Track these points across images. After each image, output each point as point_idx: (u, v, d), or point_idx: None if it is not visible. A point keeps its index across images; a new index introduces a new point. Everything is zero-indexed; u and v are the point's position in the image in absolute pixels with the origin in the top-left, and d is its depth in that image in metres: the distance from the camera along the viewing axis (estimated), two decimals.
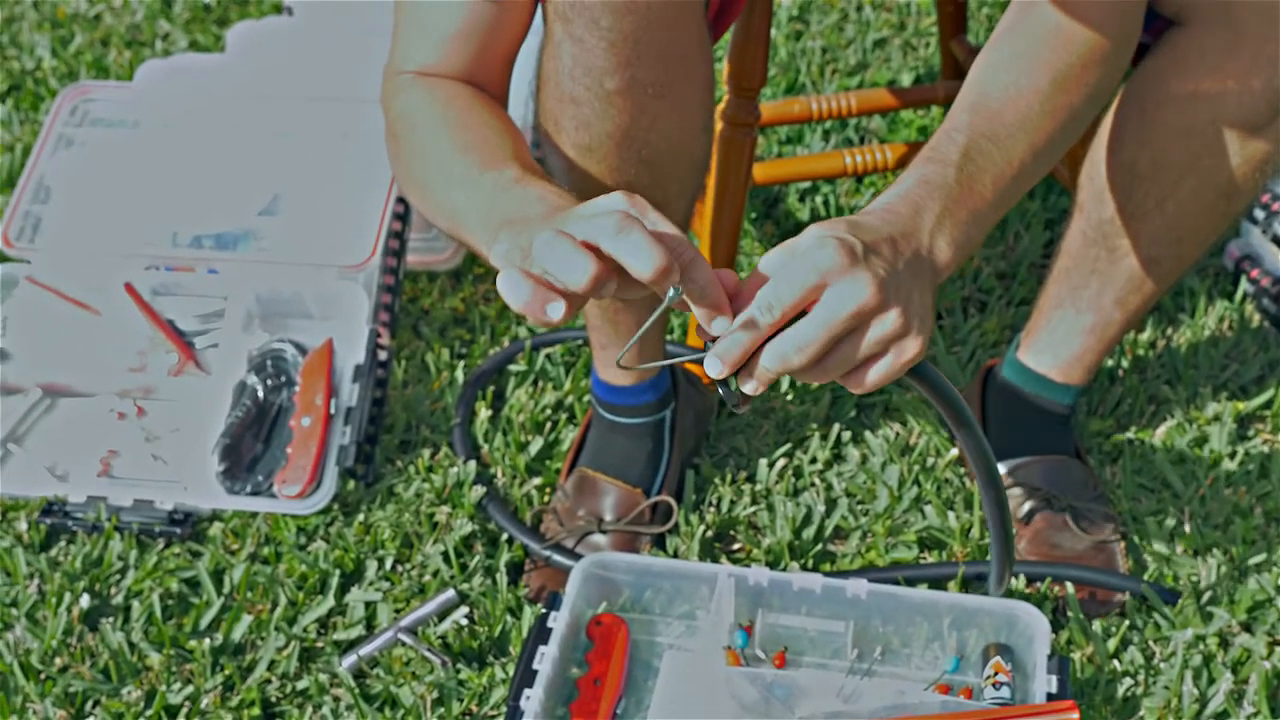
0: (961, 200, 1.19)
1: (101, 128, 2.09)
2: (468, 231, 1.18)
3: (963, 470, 1.78)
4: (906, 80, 2.39)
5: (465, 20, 1.31)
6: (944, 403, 1.23)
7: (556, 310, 0.99)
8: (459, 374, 1.90)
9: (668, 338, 1.86)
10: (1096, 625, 1.60)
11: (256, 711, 1.54)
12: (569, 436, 1.82)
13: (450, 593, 1.62)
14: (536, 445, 1.80)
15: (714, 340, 1.06)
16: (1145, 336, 1.93)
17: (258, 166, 2.01)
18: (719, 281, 1.04)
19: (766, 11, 1.67)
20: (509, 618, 1.62)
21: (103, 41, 2.55)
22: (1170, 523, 1.70)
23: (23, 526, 1.73)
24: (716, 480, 1.77)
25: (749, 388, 1.07)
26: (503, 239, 1.07)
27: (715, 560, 1.69)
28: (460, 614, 1.61)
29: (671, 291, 1.01)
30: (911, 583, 1.64)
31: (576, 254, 0.98)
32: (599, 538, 1.68)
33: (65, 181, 2.03)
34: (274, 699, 1.57)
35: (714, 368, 1.05)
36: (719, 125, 1.78)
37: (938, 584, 1.64)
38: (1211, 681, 1.54)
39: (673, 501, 1.70)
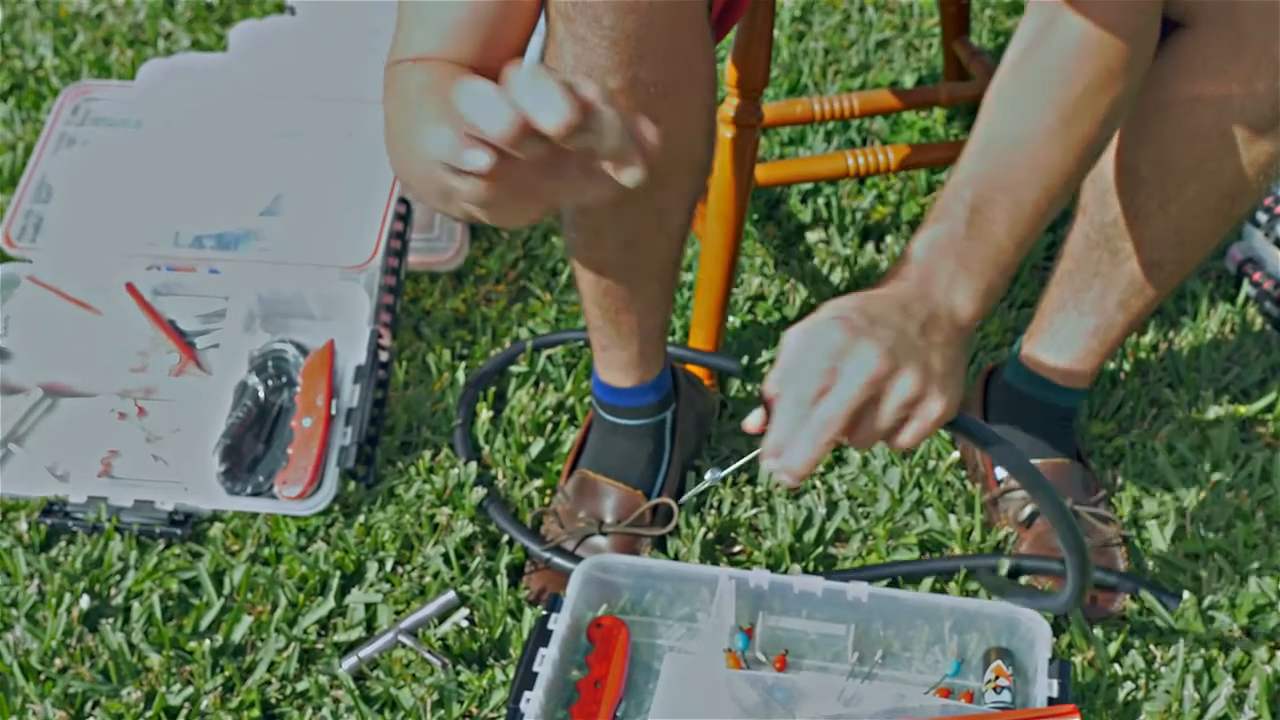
0: (974, 253, 1.21)
1: (103, 127, 2.09)
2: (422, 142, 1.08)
3: (964, 473, 1.78)
4: (909, 81, 2.39)
5: (470, 12, 1.29)
6: (991, 452, 1.24)
7: (476, 159, 0.93)
8: (460, 375, 1.89)
9: (670, 338, 1.85)
10: (1098, 629, 1.60)
11: (256, 713, 1.54)
12: (570, 438, 1.82)
13: (450, 594, 1.62)
14: (537, 447, 1.80)
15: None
16: (1147, 339, 1.93)
17: (260, 166, 2.01)
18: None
19: (769, 12, 1.67)
20: (509, 620, 1.62)
21: (105, 40, 2.55)
22: (1171, 526, 1.69)
23: (23, 527, 1.73)
24: (718, 482, 1.77)
25: (795, 474, 1.13)
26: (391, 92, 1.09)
27: (716, 563, 1.69)
28: (460, 616, 1.61)
29: (710, 474, 1.25)
30: (913, 580, 1.64)
31: (495, 100, 0.92)
32: (599, 539, 1.68)
33: (67, 181, 2.03)
34: (274, 700, 1.57)
35: (785, 479, 1.13)
36: (721, 126, 1.77)
37: (939, 581, 1.64)
38: (1213, 686, 1.54)
39: (673, 503, 1.70)
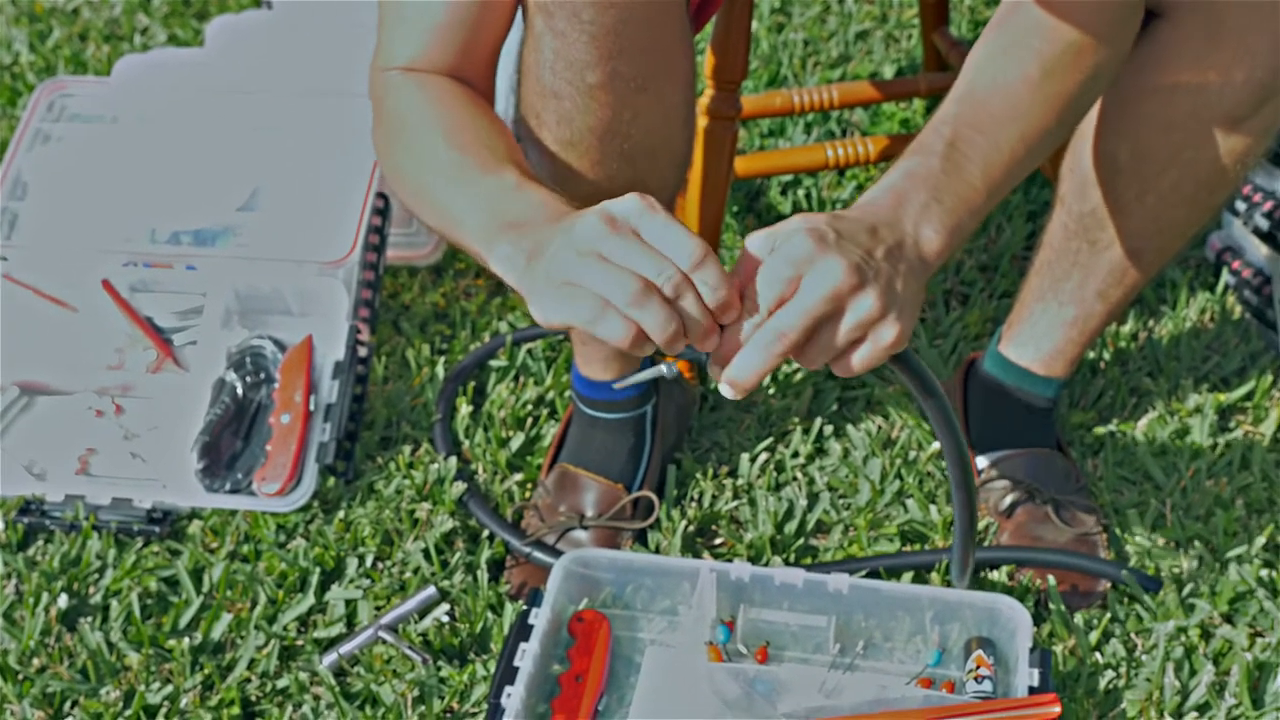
0: (948, 188, 1.20)
1: (79, 123, 2.08)
2: (465, 233, 1.20)
3: (944, 464, 1.78)
4: (889, 73, 2.39)
5: (448, 14, 1.30)
6: (923, 393, 1.25)
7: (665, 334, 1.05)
8: (440, 370, 1.89)
9: None
10: (1078, 618, 1.60)
11: (236, 711, 1.53)
12: (550, 432, 1.81)
13: (431, 590, 1.61)
14: (518, 441, 1.79)
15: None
16: (1127, 329, 1.93)
17: (236, 162, 2.00)
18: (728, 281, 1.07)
19: (748, 4, 1.67)
20: (490, 615, 1.61)
21: (81, 36, 2.54)
22: (1152, 515, 1.69)
23: (0, 525, 1.72)
24: (698, 475, 1.76)
25: (741, 385, 1.10)
26: (506, 242, 1.12)
27: (697, 555, 1.69)
28: (441, 611, 1.61)
29: (664, 368, 1.13)
30: (894, 573, 1.64)
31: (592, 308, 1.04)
32: (580, 533, 1.67)
33: (43, 178, 2.02)
34: (254, 698, 1.56)
35: (726, 390, 1.10)
36: (700, 118, 1.77)
37: (920, 575, 1.64)
38: (1193, 673, 1.54)
39: (654, 497, 1.70)
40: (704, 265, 1.05)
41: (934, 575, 1.64)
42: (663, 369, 1.15)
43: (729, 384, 1.10)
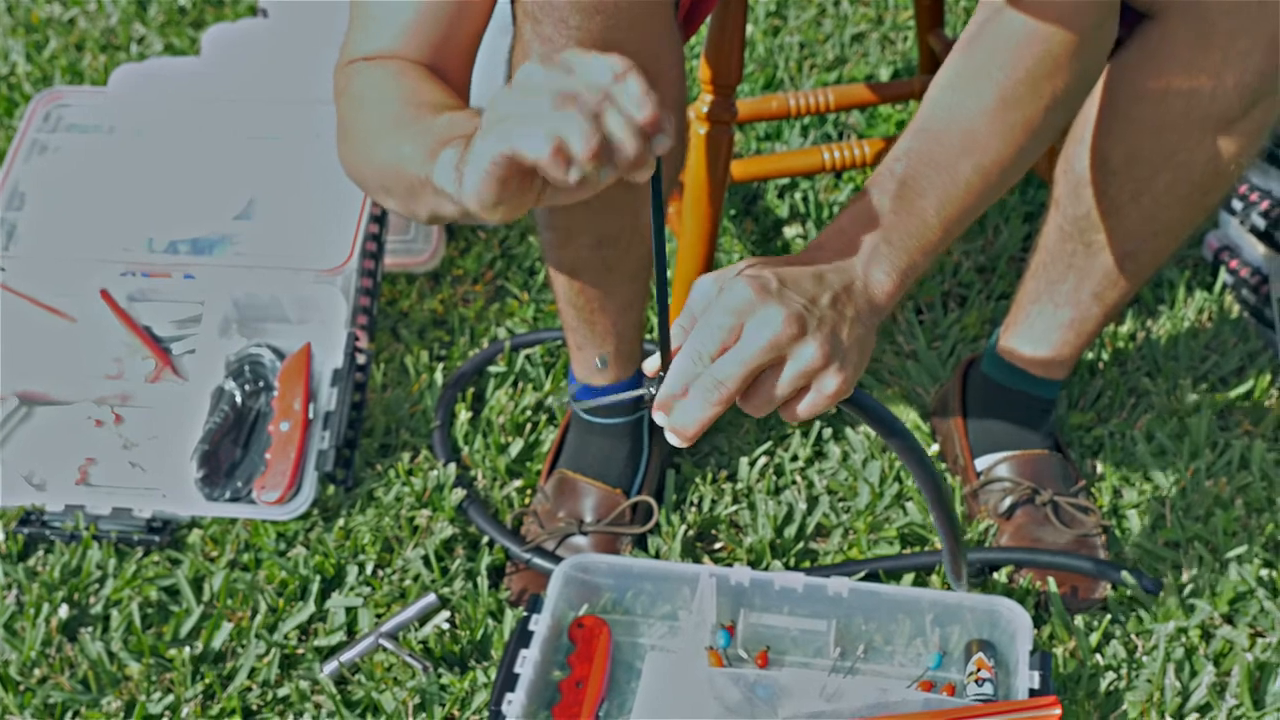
0: (899, 228, 1.18)
1: (76, 133, 2.08)
2: (411, 168, 1.13)
3: (944, 466, 1.78)
4: (885, 75, 2.39)
5: (421, 13, 1.29)
6: (886, 434, 1.24)
7: (563, 175, 0.96)
8: (438, 376, 1.89)
9: (647, 335, 1.85)
10: (1079, 620, 1.60)
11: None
12: (549, 438, 1.81)
13: (431, 597, 1.61)
14: (517, 447, 1.79)
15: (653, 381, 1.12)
16: (1125, 329, 1.93)
17: (233, 170, 2.00)
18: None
19: (742, 7, 1.67)
20: (490, 621, 1.61)
21: (77, 46, 2.54)
22: (1151, 515, 1.69)
23: (0, 537, 1.72)
24: (697, 479, 1.77)
25: (684, 435, 1.10)
26: (449, 148, 1.05)
27: (697, 560, 1.69)
28: (441, 618, 1.61)
29: (645, 393, 1.11)
30: (893, 576, 1.64)
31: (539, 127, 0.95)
32: (580, 539, 1.67)
33: (40, 188, 2.02)
34: (255, 707, 1.56)
35: (672, 438, 1.10)
36: (695, 122, 1.77)
37: (920, 577, 1.64)
38: (1194, 674, 1.54)
39: (653, 501, 1.70)
40: (627, 77, 0.97)
41: (934, 578, 1.64)
42: (647, 390, 1.14)
43: (673, 432, 1.09)
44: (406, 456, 1.80)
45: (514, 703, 1.43)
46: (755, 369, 1.08)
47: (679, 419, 1.09)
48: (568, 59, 0.99)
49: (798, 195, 2.16)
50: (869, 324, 1.16)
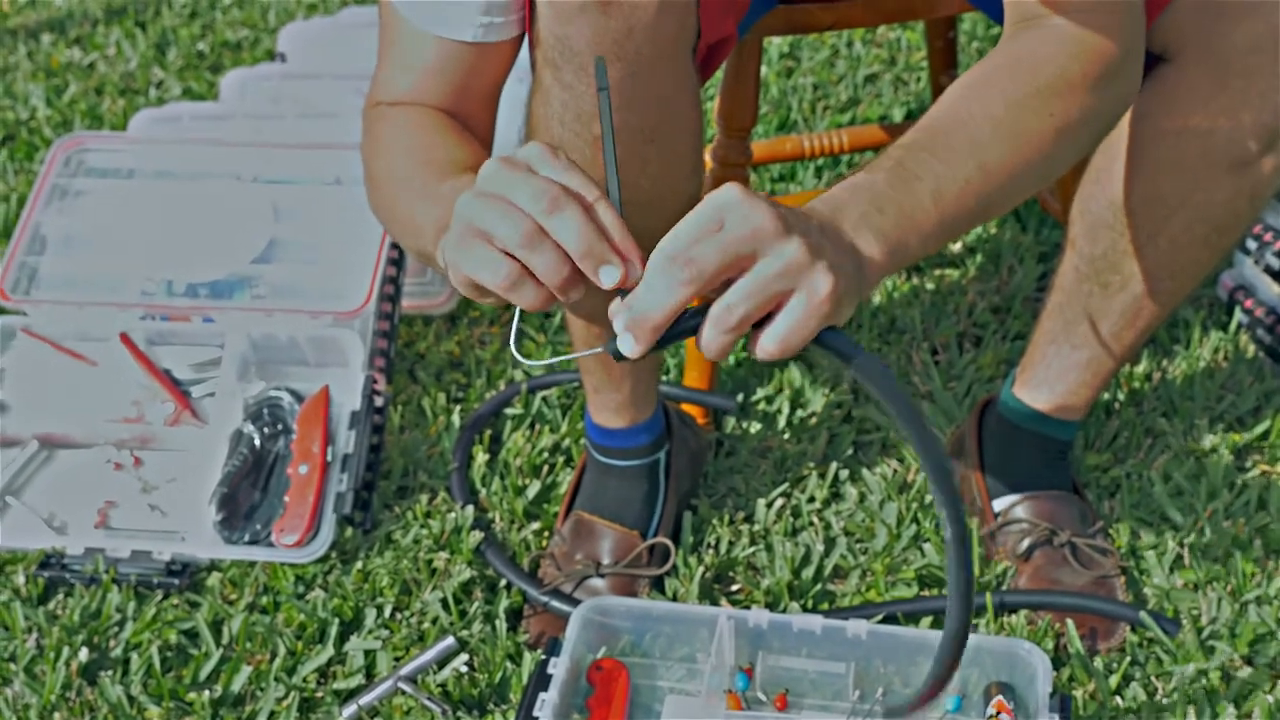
0: (891, 200, 1.12)
1: (96, 178, 2.10)
2: (424, 239, 1.17)
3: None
4: (898, 115, 2.40)
5: (442, 58, 1.32)
6: (855, 367, 1.05)
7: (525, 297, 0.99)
8: (455, 418, 1.90)
9: (664, 377, 1.86)
10: (1098, 661, 1.59)
11: None
12: (566, 479, 1.82)
13: (449, 640, 1.61)
14: (534, 489, 1.80)
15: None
16: (1141, 369, 1.93)
17: (252, 214, 2.02)
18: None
19: (756, 53, 1.68)
20: (509, 664, 1.61)
21: (96, 90, 2.56)
22: (1170, 556, 1.69)
23: (21, 580, 1.72)
24: (714, 521, 1.77)
25: (646, 323, 0.98)
26: (445, 238, 1.06)
27: (715, 602, 1.69)
28: (460, 661, 1.61)
29: (602, 348, 1.01)
30: (912, 618, 1.64)
31: (490, 259, 0.99)
32: (597, 581, 1.68)
33: (61, 232, 2.03)
34: None
35: (625, 341, 0.99)
36: (711, 165, 1.78)
37: (938, 619, 1.64)
38: (1215, 717, 1.53)
39: (670, 543, 1.70)
40: (599, 202, 0.97)
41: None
42: (601, 348, 1.03)
43: (630, 324, 0.98)
44: (424, 499, 1.81)
45: None
46: (733, 257, 0.97)
47: (642, 303, 0.98)
48: (537, 162, 1.00)
49: None
50: (852, 273, 1.04)
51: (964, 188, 1.17)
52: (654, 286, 0.97)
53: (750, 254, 0.98)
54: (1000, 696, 1.48)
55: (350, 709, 1.57)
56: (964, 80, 1.25)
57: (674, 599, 1.68)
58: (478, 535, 1.73)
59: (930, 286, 2.07)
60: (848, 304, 1.02)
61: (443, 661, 1.61)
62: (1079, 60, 1.24)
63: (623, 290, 1.00)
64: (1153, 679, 1.58)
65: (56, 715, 1.58)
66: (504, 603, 1.67)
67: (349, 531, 1.75)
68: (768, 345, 1.00)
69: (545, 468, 1.84)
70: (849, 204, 1.10)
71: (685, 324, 1.00)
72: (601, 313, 1.03)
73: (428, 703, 1.57)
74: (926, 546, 1.72)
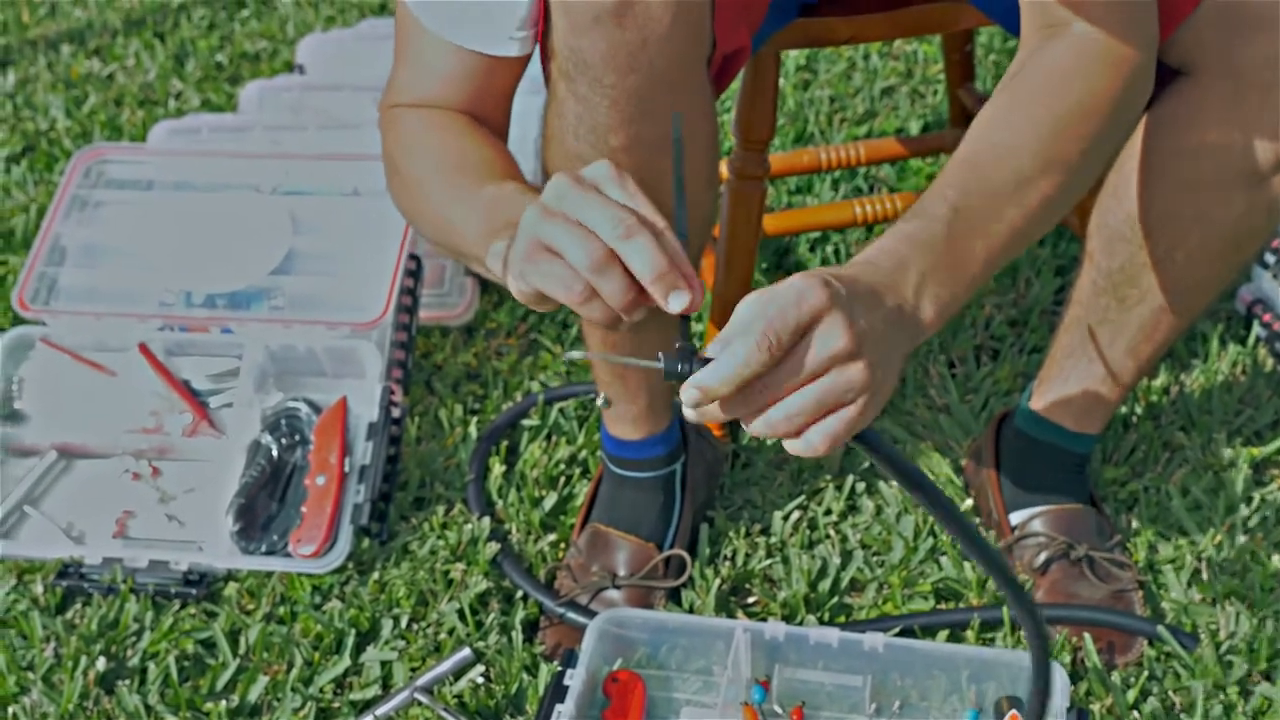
0: (947, 259, 1.15)
1: (115, 189, 2.11)
2: (466, 241, 1.19)
3: (978, 520, 1.78)
4: (915, 128, 2.40)
5: (458, 65, 1.33)
6: (898, 473, 1.11)
7: (592, 311, 1.02)
8: (472, 430, 1.90)
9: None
10: (1115, 676, 1.59)
11: None
12: (583, 491, 1.82)
13: (466, 651, 1.61)
14: (550, 500, 1.80)
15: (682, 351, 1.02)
16: (1159, 382, 1.93)
17: (270, 225, 2.03)
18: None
19: (774, 66, 1.68)
20: (525, 676, 1.61)
21: (116, 101, 2.58)
22: (1188, 570, 1.69)
23: (39, 589, 1.73)
24: (730, 533, 1.77)
25: (703, 390, 1.00)
26: (501, 240, 1.10)
27: (731, 614, 1.69)
28: (476, 672, 1.61)
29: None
30: (929, 632, 1.64)
31: (562, 275, 1.01)
32: (613, 593, 1.68)
33: (80, 243, 2.04)
34: None
35: (688, 400, 1.00)
36: (728, 177, 1.78)
37: (955, 633, 1.64)
38: None
39: (686, 555, 1.70)
40: (666, 231, 1.00)
41: (969, 633, 1.63)
42: (669, 363, 1.02)
43: (691, 389, 1.00)
44: (441, 510, 1.81)
45: None
46: (806, 376, 1.00)
47: (714, 415, 1.01)
48: (605, 183, 1.02)
49: (829, 249, 2.17)
50: (907, 350, 1.11)
51: (1009, 230, 1.20)
52: (735, 410, 1.01)
53: (821, 371, 1.00)
54: (1016, 710, 1.47)
55: (367, 719, 1.58)
56: (1000, 103, 1.25)
57: (690, 611, 1.68)
58: (494, 546, 1.73)
59: None
60: (883, 401, 1.05)
61: (459, 672, 1.61)
62: (1106, 71, 1.25)
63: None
64: (1170, 694, 1.58)
65: None
66: (520, 614, 1.67)
67: (366, 542, 1.76)
68: (815, 440, 1.02)
69: (562, 479, 1.84)
70: (911, 263, 1.12)
71: None
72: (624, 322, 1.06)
73: (444, 714, 1.57)
74: (943, 559, 1.72)
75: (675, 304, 1.00)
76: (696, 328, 2.00)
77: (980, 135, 1.23)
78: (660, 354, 1.01)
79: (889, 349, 1.06)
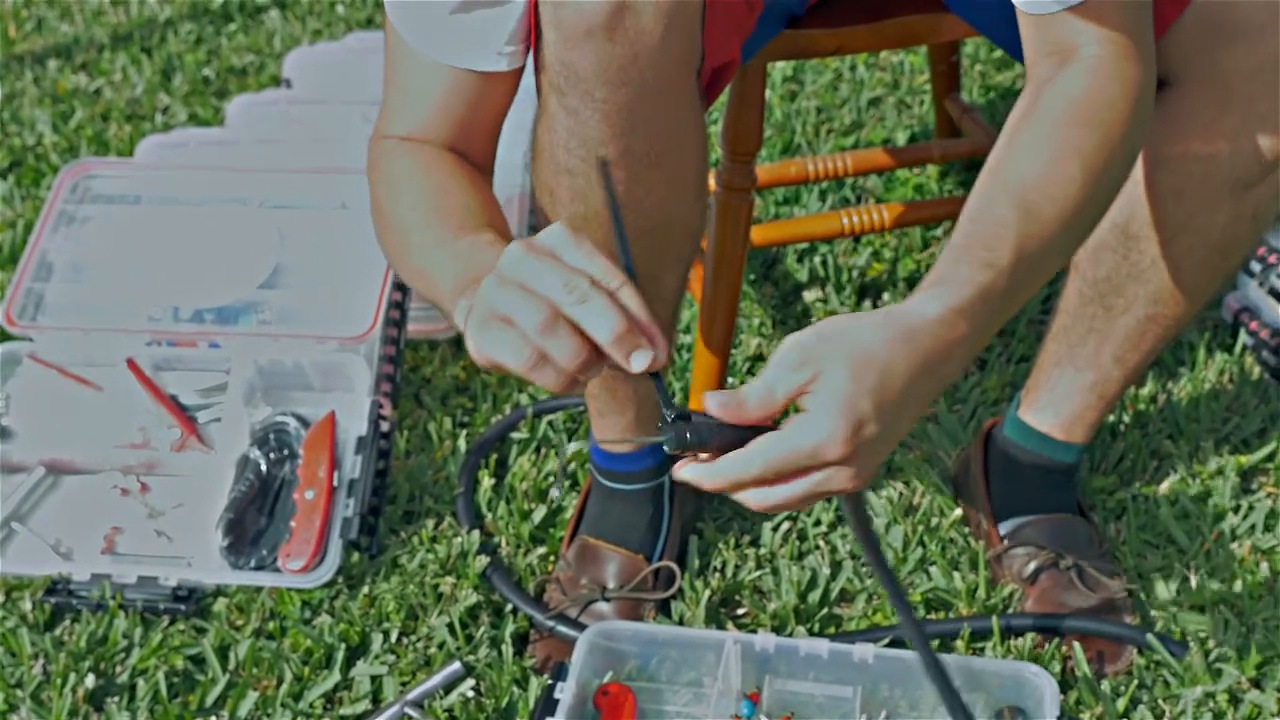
0: (999, 319, 1.15)
1: (102, 204, 2.11)
2: (439, 293, 1.20)
3: (967, 530, 1.78)
4: (901, 139, 2.41)
5: (448, 90, 1.33)
6: (866, 548, 1.15)
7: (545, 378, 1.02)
8: (461, 443, 1.90)
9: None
10: (1105, 685, 1.59)
11: None
12: (572, 504, 1.82)
13: (456, 665, 1.61)
14: (540, 513, 1.80)
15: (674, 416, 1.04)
16: (1146, 391, 1.93)
17: (258, 239, 2.03)
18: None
19: (760, 78, 1.69)
20: (515, 689, 1.61)
21: (103, 116, 2.57)
22: (1176, 578, 1.69)
23: (27, 606, 1.72)
24: (720, 544, 1.77)
25: (692, 481, 1.05)
26: (464, 297, 1.11)
27: (721, 626, 1.69)
28: (466, 686, 1.61)
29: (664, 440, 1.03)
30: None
31: (511, 342, 1.02)
32: (603, 606, 1.67)
33: (67, 258, 2.04)
34: None
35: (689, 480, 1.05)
36: (715, 189, 1.79)
37: (944, 643, 1.64)
38: None
39: (675, 567, 1.70)
40: (624, 288, 1.01)
41: (959, 643, 1.63)
42: (666, 436, 1.05)
43: (686, 474, 1.05)
44: (430, 523, 1.81)
45: None
46: (795, 468, 1.03)
47: (708, 484, 1.05)
48: (560, 247, 1.02)
49: (817, 259, 2.17)
50: (918, 416, 1.11)
51: (1051, 273, 1.21)
52: (713, 469, 1.04)
53: (810, 466, 1.03)
54: None
55: None
56: (1031, 130, 1.22)
57: (680, 623, 1.68)
58: (484, 560, 1.73)
59: None
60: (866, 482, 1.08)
61: (449, 686, 1.61)
62: (1122, 94, 1.23)
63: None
64: (1160, 702, 1.58)
65: None
66: (510, 627, 1.67)
67: (355, 556, 1.75)
68: (753, 504, 1.06)
69: (550, 492, 1.84)
70: (960, 332, 1.11)
71: (716, 439, 1.05)
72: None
73: None
74: (933, 569, 1.72)
75: (638, 364, 1.01)
76: (685, 339, 2.00)
77: (1020, 167, 1.20)
78: (659, 425, 1.03)
79: (893, 439, 1.07)
